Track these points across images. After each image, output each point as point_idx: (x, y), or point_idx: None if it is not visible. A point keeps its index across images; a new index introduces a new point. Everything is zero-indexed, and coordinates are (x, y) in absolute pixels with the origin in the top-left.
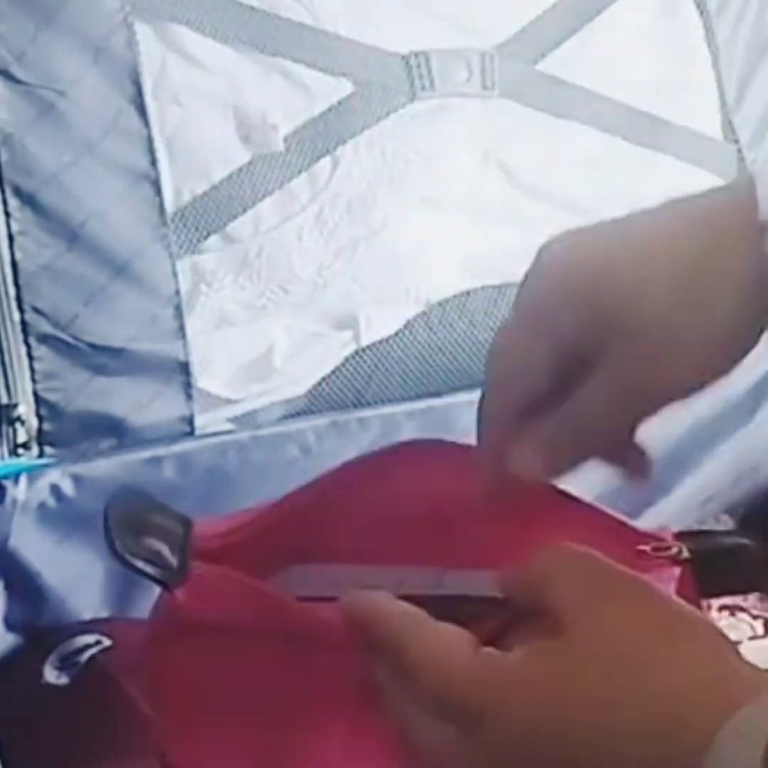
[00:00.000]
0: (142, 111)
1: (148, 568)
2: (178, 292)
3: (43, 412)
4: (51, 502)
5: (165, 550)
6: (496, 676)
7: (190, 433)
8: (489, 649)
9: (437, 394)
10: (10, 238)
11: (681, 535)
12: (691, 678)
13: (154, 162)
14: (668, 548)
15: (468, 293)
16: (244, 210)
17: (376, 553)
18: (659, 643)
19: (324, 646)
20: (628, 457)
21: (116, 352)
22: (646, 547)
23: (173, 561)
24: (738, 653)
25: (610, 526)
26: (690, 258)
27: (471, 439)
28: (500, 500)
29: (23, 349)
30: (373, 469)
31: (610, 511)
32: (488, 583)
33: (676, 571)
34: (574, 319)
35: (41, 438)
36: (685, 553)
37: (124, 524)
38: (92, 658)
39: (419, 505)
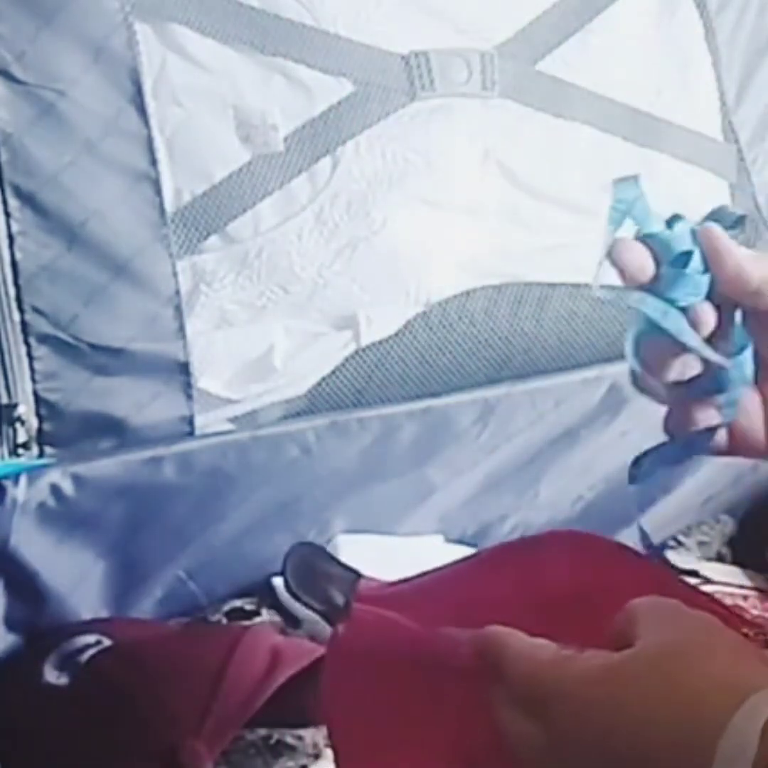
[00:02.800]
0: (142, 111)
1: (319, 606)
2: (178, 292)
3: (43, 412)
4: (51, 502)
5: (334, 593)
6: (567, 670)
7: (190, 433)
8: (569, 651)
9: (437, 394)
10: (10, 238)
11: None
12: (714, 683)
13: (154, 162)
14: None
15: (468, 293)
16: (244, 210)
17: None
18: (695, 657)
19: (457, 674)
20: None
21: (116, 352)
22: (748, 631)
23: (340, 602)
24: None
25: (724, 612)
26: None
27: (470, 441)
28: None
29: (23, 349)
30: (521, 553)
31: (727, 604)
32: None
33: None
34: None
35: (41, 438)
36: None
37: (301, 567)
38: (92, 658)
39: (563, 590)
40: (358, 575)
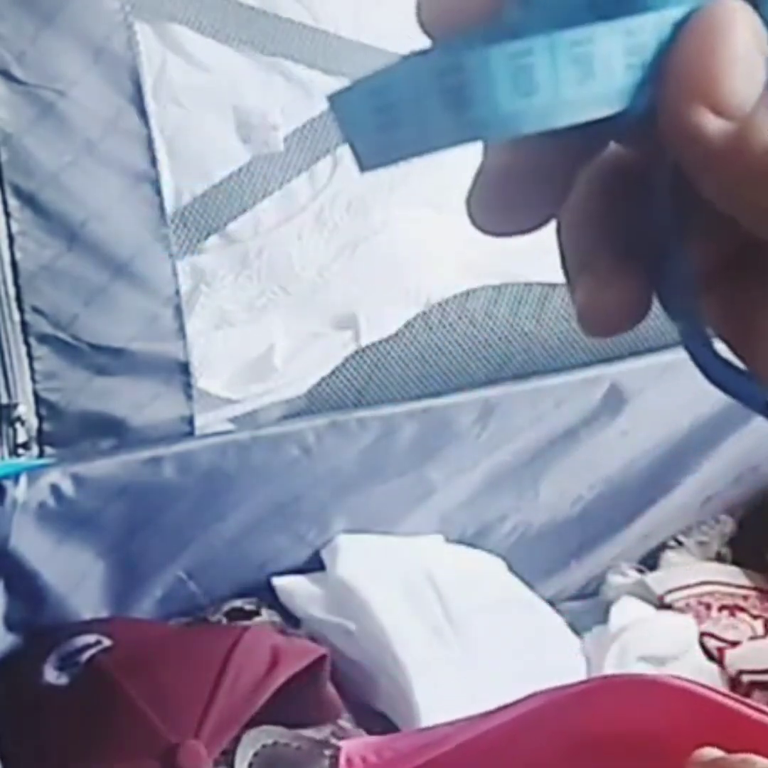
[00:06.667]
0: (142, 111)
1: None
2: (178, 292)
3: (43, 412)
4: (51, 502)
5: None
6: None
7: (190, 433)
8: None
9: (437, 394)
10: (10, 238)
11: None
12: None
13: (154, 162)
14: None
15: (468, 293)
16: (244, 210)
17: None
18: None
19: None
20: None
21: (116, 352)
22: None
23: None
24: None
25: None
26: None
27: (470, 441)
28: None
29: (23, 349)
30: (569, 700)
31: None
32: None
33: None
34: None
35: (41, 438)
36: None
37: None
38: (92, 658)
39: (619, 736)
40: (335, 756)
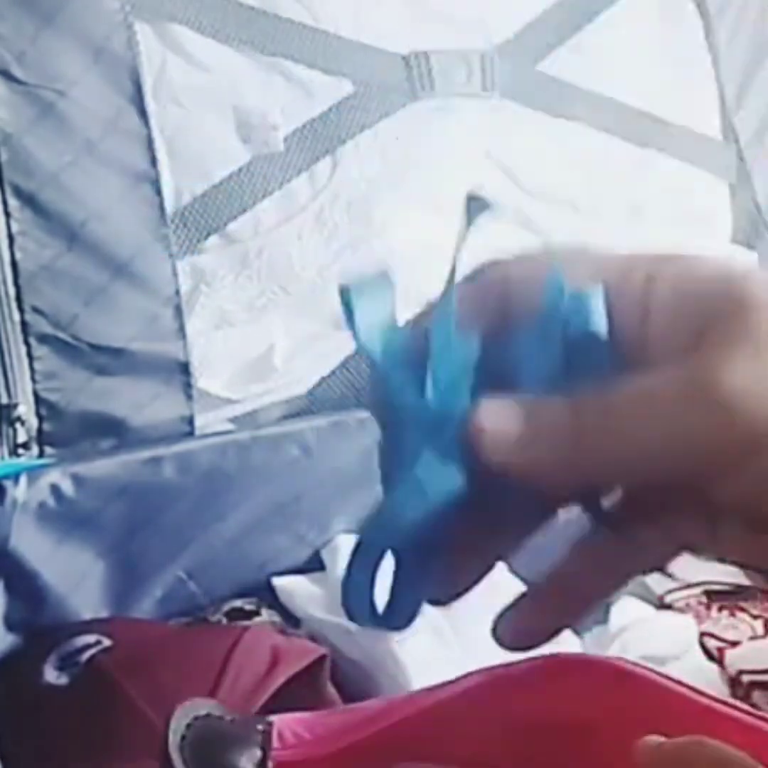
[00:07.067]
0: (142, 111)
1: None
2: (178, 292)
3: (43, 412)
4: (51, 502)
5: (244, 763)
6: None
7: (190, 433)
8: None
9: None
10: (10, 238)
11: None
12: None
13: (154, 162)
14: None
15: None
16: (244, 210)
17: (502, 761)
18: None
19: None
20: None
21: (116, 352)
22: None
23: None
24: None
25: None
26: None
27: None
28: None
29: (23, 349)
30: (503, 679)
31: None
32: None
33: None
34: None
35: (41, 438)
36: None
37: (200, 736)
38: (92, 658)
39: (553, 717)
40: (268, 730)
